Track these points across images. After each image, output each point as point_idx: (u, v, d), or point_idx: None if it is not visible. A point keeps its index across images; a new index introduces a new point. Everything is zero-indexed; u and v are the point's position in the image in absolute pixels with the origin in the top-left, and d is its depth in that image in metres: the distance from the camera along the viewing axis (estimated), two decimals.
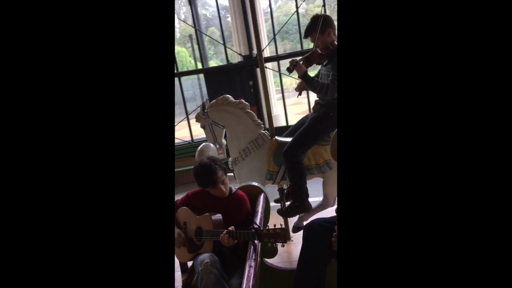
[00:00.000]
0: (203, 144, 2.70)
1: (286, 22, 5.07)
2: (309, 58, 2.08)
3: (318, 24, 2.00)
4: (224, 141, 2.52)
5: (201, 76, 7.29)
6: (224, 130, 2.46)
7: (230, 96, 2.42)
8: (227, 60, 6.10)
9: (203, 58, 6.21)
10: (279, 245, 1.46)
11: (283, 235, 1.43)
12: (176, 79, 6.05)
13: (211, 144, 2.56)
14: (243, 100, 2.43)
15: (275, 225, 1.47)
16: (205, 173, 1.72)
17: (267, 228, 1.48)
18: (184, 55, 13.42)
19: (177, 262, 1.86)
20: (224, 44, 5.83)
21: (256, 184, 1.99)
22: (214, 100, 2.44)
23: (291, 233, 2.56)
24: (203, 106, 2.43)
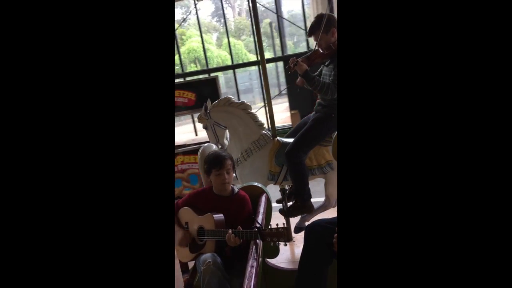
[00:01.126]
0: (205, 144, 2.71)
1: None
2: (310, 57, 2.08)
3: (322, 23, 2.00)
4: (226, 141, 2.53)
5: (280, 64, 7.36)
6: (226, 131, 2.47)
7: (232, 97, 2.42)
8: (308, 48, 6.20)
9: (283, 46, 6.30)
10: (281, 245, 1.46)
11: (285, 234, 1.43)
12: (256, 67, 6.16)
13: (213, 145, 2.56)
14: (245, 101, 2.43)
15: (277, 224, 1.47)
16: (217, 156, 1.82)
17: (269, 227, 1.49)
18: (240, 48, 13.51)
19: (177, 262, 1.87)
20: (305, 30, 5.96)
21: (258, 184, 1.99)
22: (216, 101, 2.44)
23: (293, 234, 2.56)
24: (205, 107, 2.44)
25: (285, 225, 1.44)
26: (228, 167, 1.78)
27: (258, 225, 1.50)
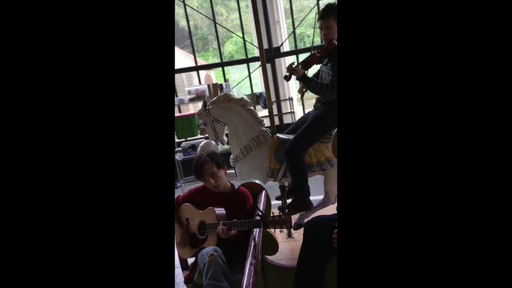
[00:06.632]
0: (204, 141, 2.71)
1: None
2: (307, 61, 2.09)
3: (335, 10, 1.97)
4: (225, 138, 2.52)
5: None
6: (226, 127, 2.46)
7: (231, 93, 2.41)
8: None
9: None
10: (280, 242, 1.47)
11: (288, 221, 1.46)
12: None
13: (213, 142, 2.56)
14: (244, 97, 2.43)
15: (279, 212, 1.49)
16: (196, 164, 1.79)
17: (271, 215, 1.51)
18: None
19: (177, 259, 1.87)
20: None
21: (257, 181, 1.99)
22: (215, 97, 2.43)
23: (292, 230, 2.56)
24: (204, 103, 2.43)
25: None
26: (210, 171, 1.77)
27: (260, 214, 1.51)
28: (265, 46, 5.48)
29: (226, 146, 2.53)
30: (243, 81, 5.71)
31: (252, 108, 2.40)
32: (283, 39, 5.84)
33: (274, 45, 5.46)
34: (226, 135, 2.52)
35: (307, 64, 2.09)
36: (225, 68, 5.65)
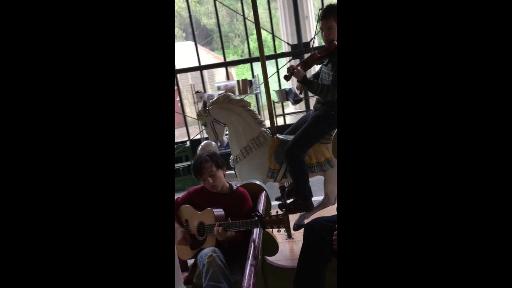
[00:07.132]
0: (204, 142, 2.70)
1: None
2: (307, 62, 2.09)
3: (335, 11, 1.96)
4: (225, 139, 2.52)
5: None
6: (225, 128, 2.46)
7: (231, 94, 2.42)
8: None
9: None
10: (280, 243, 1.47)
11: (285, 220, 1.46)
12: None
13: (213, 142, 2.56)
14: (244, 98, 2.43)
15: (277, 212, 1.49)
16: (196, 163, 1.81)
17: (269, 214, 1.51)
18: None
19: (176, 260, 1.86)
20: None
21: (257, 182, 1.99)
22: (215, 98, 2.43)
23: (292, 231, 2.56)
24: (204, 103, 2.43)
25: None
26: (209, 170, 1.77)
27: (258, 214, 1.51)
28: (295, 41, 5.55)
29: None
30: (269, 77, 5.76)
31: (252, 108, 2.41)
32: (312, 35, 5.85)
33: (304, 40, 5.51)
34: (226, 135, 2.52)
35: (307, 64, 2.09)
36: (246, 65, 5.71)
